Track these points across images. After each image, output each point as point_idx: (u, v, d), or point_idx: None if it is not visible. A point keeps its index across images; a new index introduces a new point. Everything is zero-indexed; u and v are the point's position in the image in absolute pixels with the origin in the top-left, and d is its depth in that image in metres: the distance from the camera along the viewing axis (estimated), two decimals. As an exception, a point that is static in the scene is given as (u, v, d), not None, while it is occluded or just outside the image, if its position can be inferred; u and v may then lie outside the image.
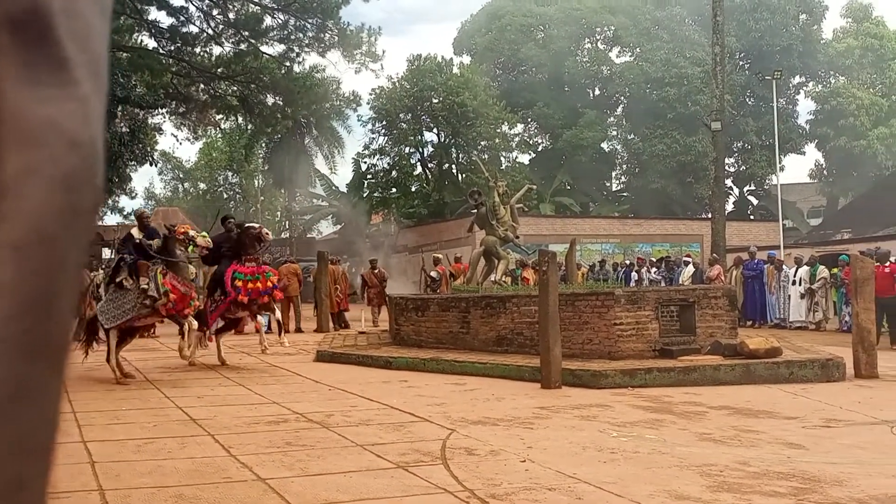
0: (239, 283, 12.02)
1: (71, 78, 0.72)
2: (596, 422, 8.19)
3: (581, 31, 47.86)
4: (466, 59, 48.56)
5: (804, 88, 49.02)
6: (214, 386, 10.77)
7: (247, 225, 12.70)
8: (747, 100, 47.40)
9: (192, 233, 11.90)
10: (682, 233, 37.46)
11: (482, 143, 42.17)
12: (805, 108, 48.49)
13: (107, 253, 35.60)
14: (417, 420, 8.28)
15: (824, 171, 49.03)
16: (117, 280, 11.12)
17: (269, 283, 12.41)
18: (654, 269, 26.37)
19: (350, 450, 6.89)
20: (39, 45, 0.71)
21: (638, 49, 47.70)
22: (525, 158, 49.66)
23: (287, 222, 55.92)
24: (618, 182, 52.85)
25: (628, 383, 10.35)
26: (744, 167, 48.36)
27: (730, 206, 44.86)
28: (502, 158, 43.98)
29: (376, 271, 22.13)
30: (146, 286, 10.87)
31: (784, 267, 21.75)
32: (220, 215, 15.41)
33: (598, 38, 49.90)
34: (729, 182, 45.72)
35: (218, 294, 12.42)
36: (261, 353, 13.17)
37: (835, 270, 20.29)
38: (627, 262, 29.83)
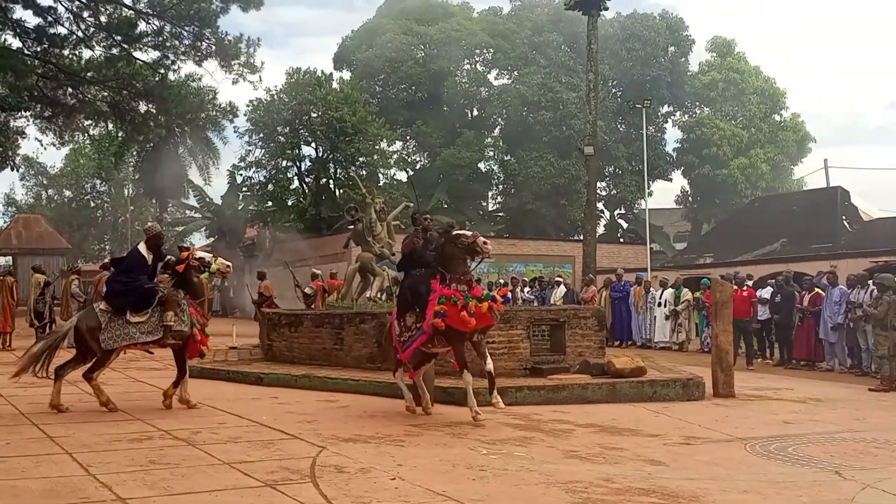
0: (444, 308, 8.95)
1: None
2: (466, 439, 8.26)
3: (461, 52, 48.40)
4: (346, 75, 48.40)
5: (672, 117, 50.91)
6: (74, 402, 10.33)
7: (456, 232, 9.32)
8: (619, 126, 48.90)
9: (206, 257, 10.66)
10: (554, 253, 38.25)
11: (360, 159, 42.02)
12: (672, 136, 50.40)
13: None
14: (287, 437, 8.17)
15: (689, 198, 51.00)
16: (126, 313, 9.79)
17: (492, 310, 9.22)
18: (527, 289, 26.83)
19: (216, 468, 6.74)
20: None
21: (516, 72, 48.57)
22: (403, 176, 49.83)
23: (158, 233, 54.23)
24: (494, 202, 53.59)
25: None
26: (615, 191, 49.83)
27: (601, 229, 46.13)
28: (380, 175, 43.95)
29: (266, 283, 21.72)
30: (171, 322, 9.71)
31: (650, 289, 22.51)
32: (410, 211, 13.59)
33: (477, 59, 50.55)
34: (600, 205, 47.06)
35: (414, 321, 9.48)
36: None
37: (697, 293, 21.11)
38: (502, 281, 30.23)
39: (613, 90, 48.65)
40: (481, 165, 49.91)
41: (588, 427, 9.10)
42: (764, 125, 47.74)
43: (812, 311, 16.76)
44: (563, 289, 24.72)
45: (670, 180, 50.84)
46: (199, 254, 10.62)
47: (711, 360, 12.37)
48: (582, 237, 31.83)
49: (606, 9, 29.74)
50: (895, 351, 13.52)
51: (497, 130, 50.62)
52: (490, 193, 53.08)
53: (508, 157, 48.48)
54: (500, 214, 51.22)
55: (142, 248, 10.19)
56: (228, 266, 10.55)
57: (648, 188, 43.26)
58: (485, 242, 9.16)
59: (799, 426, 9.49)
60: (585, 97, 29.38)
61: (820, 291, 16.83)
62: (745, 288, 17.71)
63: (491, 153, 50.49)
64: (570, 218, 46.15)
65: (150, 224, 11.28)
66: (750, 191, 45.89)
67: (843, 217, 32.25)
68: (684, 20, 49.08)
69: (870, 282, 15.25)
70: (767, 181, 46.91)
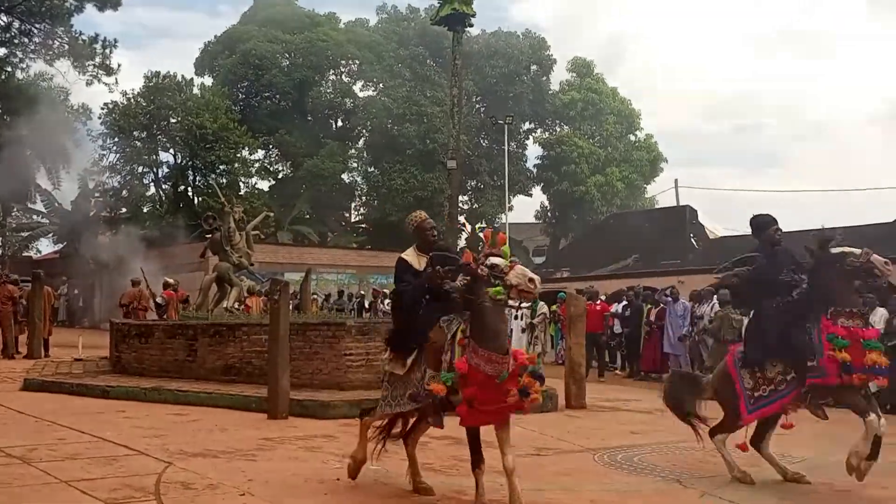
0: (833, 353, 6.66)
1: None
2: (320, 453, 8.17)
3: (326, 62, 48.18)
4: (208, 81, 47.39)
5: (533, 134, 52.06)
6: None
7: (840, 251, 6.94)
8: (482, 141, 49.64)
9: (499, 263, 6.15)
10: (417, 266, 38.39)
11: (221, 166, 41.17)
12: (533, 152, 51.45)
13: None
14: (132, 453, 7.86)
15: (548, 213, 52.23)
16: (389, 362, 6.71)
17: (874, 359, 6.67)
18: (387, 301, 26.82)
19: (53, 487, 6.42)
20: None
21: (381, 84, 48.72)
22: (265, 185, 49.15)
23: (0, 239, 51.57)
24: (356, 213, 53.49)
25: (356, 414, 10.38)
26: (476, 205, 50.50)
27: (462, 242, 46.67)
28: (241, 184, 43.17)
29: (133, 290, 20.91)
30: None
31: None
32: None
33: (342, 70, 50.45)
34: (462, 219, 47.62)
35: (780, 372, 7.08)
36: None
37: (553, 307, 21.60)
38: (363, 292, 30.17)
39: (477, 105, 49.39)
40: (345, 176, 49.77)
41: (444, 439, 9.11)
42: (620, 144, 49.46)
43: (658, 325, 17.41)
44: (424, 301, 24.79)
45: (530, 195, 51.96)
46: (493, 259, 6.19)
47: (564, 372, 12.66)
48: (443, 250, 32.01)
49: (471, 25, 30.29)
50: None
51: (361, 142, 50.59)
52: (353, 204, 53.00)
53: (372, 169, 48.50)
54: (363, 226, 51.14)
55: (409, 255, 6.86)
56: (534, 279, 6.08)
57: (509, 203, 44.17)
58: (886, 263, 6.84)
59: (645, 436, 9.81)
60: (449, 111, 29.77)
61: (664, 306, 17.51)
62: (598, 302, 18.25)
63: (355, 164, 50.45)
64: (433, 231, 46.45)
65: (415, 215, 7.21)
66: (606, 207, 47.36)
67: (691, 235, 33.74)
68: (546, 40, 50.40)
69: (715, 297, 16.00)
70: (622, 199, 48.56)
